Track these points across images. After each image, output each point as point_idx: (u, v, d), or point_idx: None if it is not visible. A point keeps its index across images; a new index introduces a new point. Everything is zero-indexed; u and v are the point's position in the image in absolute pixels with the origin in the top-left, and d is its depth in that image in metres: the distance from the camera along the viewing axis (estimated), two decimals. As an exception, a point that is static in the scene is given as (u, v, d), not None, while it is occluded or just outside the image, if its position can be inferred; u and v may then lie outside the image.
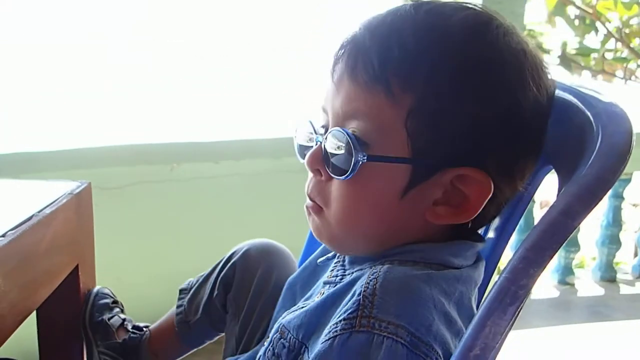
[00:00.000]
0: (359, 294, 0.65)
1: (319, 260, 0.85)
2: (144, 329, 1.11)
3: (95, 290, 1.16)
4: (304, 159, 0.75)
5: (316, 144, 0.74)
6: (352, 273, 0.74)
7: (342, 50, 0.71)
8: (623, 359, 2.41)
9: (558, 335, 2.56)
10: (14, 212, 0.97)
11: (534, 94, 0.68)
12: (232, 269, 1.02)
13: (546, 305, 2.85)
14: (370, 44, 0.68)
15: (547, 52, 3.63)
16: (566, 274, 3.06)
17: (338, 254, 0.81)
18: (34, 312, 1.07)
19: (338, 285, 0.73)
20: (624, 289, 3.07)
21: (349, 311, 0.64)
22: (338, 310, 0.67)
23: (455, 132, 0.67)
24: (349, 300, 0.66)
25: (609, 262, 3.14)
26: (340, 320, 0.64)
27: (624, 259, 3.47)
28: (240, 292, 1.00)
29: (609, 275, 3.12)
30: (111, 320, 1.10)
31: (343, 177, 0.69)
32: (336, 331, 0.63)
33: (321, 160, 0.72)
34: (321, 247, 0.91)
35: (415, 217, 0.71)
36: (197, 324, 1.06)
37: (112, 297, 1.16)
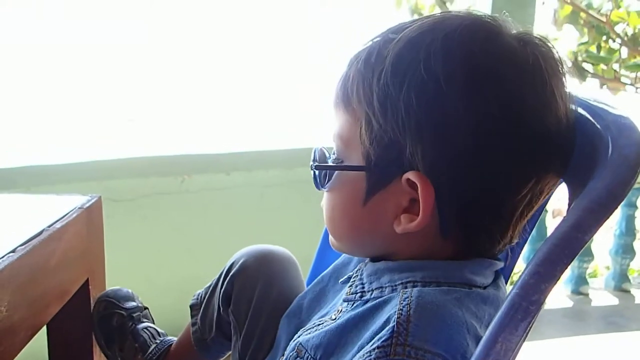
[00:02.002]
0: (394, 321, 0.63)
1: (340, 281, 0.85)
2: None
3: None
4: None
5: None
6: (372, 291, 0.74)
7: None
8: (638, 370, 2.39)
9: (572, 346, 2.54)
10: (24, 227, 0.98)
11: (494, 105, 0.65)
12: (231, 283, 1.01)
13: (560, 316, 2.82)
14: (344, 70, 0.74)
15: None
16: (580, 284, 3.04)
17: (355, 271, 0.80)
18: (45, 327, 1.07)
19: (360, 308, 0.73)
20: (639, 299, 3.04)
21: (383, 338, 0.63)
22: (368, 334, 0.66)
23: (393, 138, 0.68)
24: (383, 327, 0.65)
25: (622, 271, 3.11)
26: (375, 348, 0.63)
27: (638, 268, 3.44)
28: (240, 307, 0.99)
29: (623, 285, 3.10)
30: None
31: (316, 187, 0.78)
32: (370, 359, 0.62)
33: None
34: (334, 263, 0.91)
35: (385, 224, 0.71)
36: (215, 340, 1.06)
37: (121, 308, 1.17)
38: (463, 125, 0.65)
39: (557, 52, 0.70)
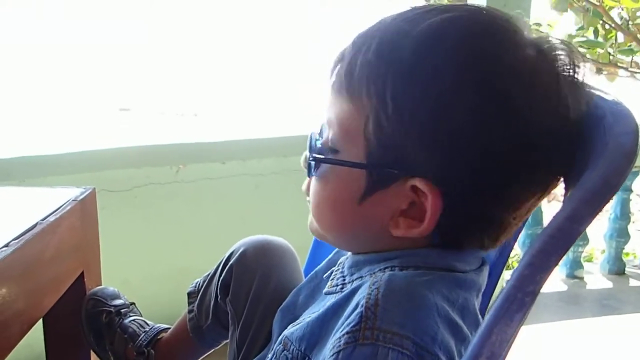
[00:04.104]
0: (362, 306, 0.63)
1: (325, 275, 0.85)
2: (148, 349, 1.11)
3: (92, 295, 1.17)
4: None
5: None
6: (352, 282, 0.73)
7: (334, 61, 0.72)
8: (633, 352, 2.40)
9: (567, 329, 2.55)
10: (18, 221, 0.97)
11: (507, 128, 0.63)
12: (230, 272, 1.01)
13: (555, 299, 2.84)
14: (348, 51, 0.69)
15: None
16: (575, 268, 3.05)
17: (337, 265, 0.80)
18: (41, 320, 1.07)
19: (339, 296, 0.72)
20: (633, 282, 3.05)
21: (352, 324, 0.63)
22: (340, 321, 0.66)
23: (406, 142, 0.65)
24: (352, 312, 0.65)
25: (617, 255, 3.13)
26: (344, 334, 0.63)
27: (633, 252, 3.45)
28: (238, 297, 0.99)
29: (617, 268, 3.11)
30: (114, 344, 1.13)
31: (308, 174, 0.74)
32: (340, 345, 0.62)
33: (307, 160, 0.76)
34: (327, 258, 0.90)
35: (379, 224, 0.70)
36: (210, 328, 1.06)
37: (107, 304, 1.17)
38: (476, 142, 0.63)
39: (575, 56, 0.68)
